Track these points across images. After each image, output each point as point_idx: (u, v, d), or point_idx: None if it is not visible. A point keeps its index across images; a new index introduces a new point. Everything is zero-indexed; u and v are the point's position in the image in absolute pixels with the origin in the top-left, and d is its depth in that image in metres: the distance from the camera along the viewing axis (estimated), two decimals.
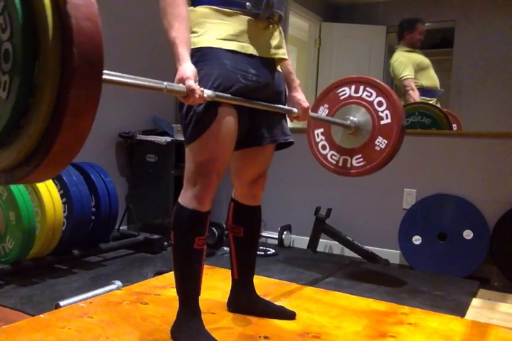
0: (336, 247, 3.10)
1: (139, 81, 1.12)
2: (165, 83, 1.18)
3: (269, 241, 3.21)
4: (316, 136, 2.28)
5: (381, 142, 2.09)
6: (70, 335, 1.53)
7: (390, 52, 4.76)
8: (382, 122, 2.09)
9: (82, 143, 0.87)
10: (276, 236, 3.13)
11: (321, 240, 3.01)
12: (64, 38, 0.80)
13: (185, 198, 1.48)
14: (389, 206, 2.96)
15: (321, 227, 2.95)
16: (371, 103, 2.12)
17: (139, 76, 1.14)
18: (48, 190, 2.20)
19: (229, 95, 1.39)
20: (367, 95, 2.13)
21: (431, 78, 3.46)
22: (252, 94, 1.45)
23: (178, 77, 1.27)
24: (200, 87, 1.28)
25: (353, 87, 2.17)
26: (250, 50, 1.46)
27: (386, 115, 2.09)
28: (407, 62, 3.39)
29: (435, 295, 2.19)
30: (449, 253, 2.66)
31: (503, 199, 2.62)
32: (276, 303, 1.81)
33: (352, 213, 3.07)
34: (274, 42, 1.53)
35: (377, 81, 2.13)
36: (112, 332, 1.56)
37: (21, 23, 0.80)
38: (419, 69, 3.38)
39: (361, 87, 2.15)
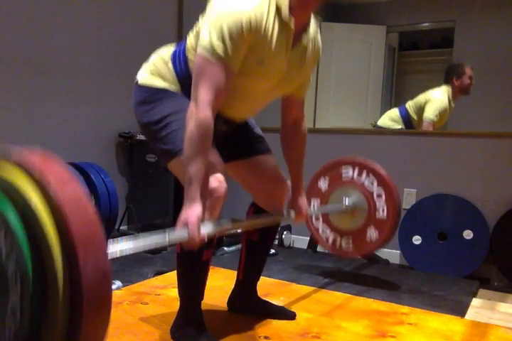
0: None
1: (142, 243, 1.13)
2: (167, 238, 1.19)
3: None
4: (312, 206, 2.34)
5: (372, 234, 2.15)
6: None
7: (390, 52, 4.78)
8: (377, 215, 2.14)
9: None
10: (277, 236, 3.12)
11: None
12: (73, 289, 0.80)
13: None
14: None
15: None
16: (371, 193, 2.16)
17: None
18: None
19: (225, 224, 1.41)
20: (369, 183, 2.17)
21: None
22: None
23: (183, 218, 1.26)
24: (161, 110, 1.37)
25: (356, 170, 2.20)
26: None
27: (383, 209, 2.13)
28: (442, 108, 3.27)
29: (435, 295, 2.19)
30: (449, 253, 2.66)
31: (503, 199, 2.62)
32: (276, 303, 1.81)
33: None
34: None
35: (382, 172, 2.17)
36: (112, 332, 1.56)
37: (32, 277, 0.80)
38: (436, 120, 3.29)
39: (364, 173, 2.18)
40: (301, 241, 3.16)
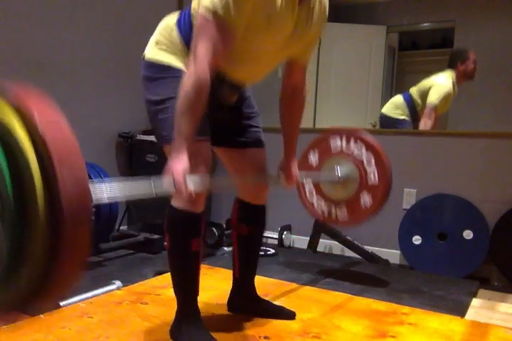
0: (336, 247, 3.10)
1: (128, 189, 1.13)
2: (152, 186, 1.20)
3: (269, 241, 3.21)
4: (305, 179, 2.32)
5: (366, 201, 2.13)
6: (70, 335, 1.53)
7: (390, 52, 4.77)
8: (369, 182, 2.12)
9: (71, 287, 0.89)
10: (277, 236, 3.12)
11: (321, 240, 3.01)
12: (52, 205, 0.80)
13: (179, 200, 1.47)
14: (389, 206, 2.95)
15: (321, 227, 2.95)
16: (361, 161, 2.15)
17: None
18: None
19: (213, 181, 1.41)
20: (358, 151, 2.16)
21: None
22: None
23: (168, 169, 1.28)
24: (162, 91, 1.37)
25: (344, 140, 2.19)
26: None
27: (374, 176, 2.12)
28: (446, 93, 3.28)
29: (435, 295, 2.19)
30: (449, 253, 2.66)
31: (503, 199, 2.62)
32: (276, 303, 1.81)
33: None
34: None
35: (370, 139, 2.16)
36: (112, 332, 1.56)
37: (12, 193, 0.80)
38: (439, 106, 3.30)
39: (353, 142, 2.17)
40: (301, 241, 3.15)
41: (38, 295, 0.85)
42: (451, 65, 3.36)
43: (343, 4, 4.72)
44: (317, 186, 2.25)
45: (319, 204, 2.25)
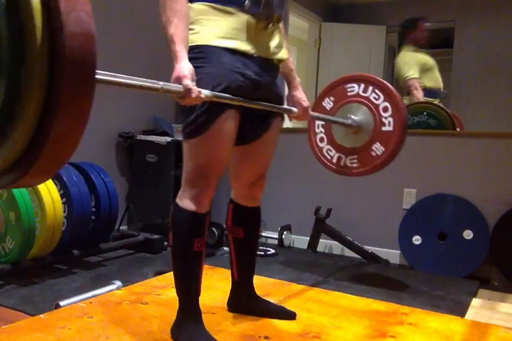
0: (336, 247, 3.10)
1: (134, 81, 1.11)
2: (161, 83, 1.17)
3: (269, 241, 3.21)
4: (317, 127, 2.24)
5: (378, 148, 2.05)
6: (70, 335, 1.53)
7: (390, 52, 4.78)
8: (383, 128, 2.05)
9: (73, 149, 0.83)
10: (276, 236, 3.12)
11: (321, 240, 3.01)
12: (53, 39, 0.77)
13: (184, 200, 1.47)
14: (389, 206, 2.96)
15: (321, 227, 2.95)
16: (377, 106, 2.07)
17: (136, 76, 1.14)
18: (48, 190, 2.20)
19: (227, 95, 1.36)
20: (374, 97, 2.08)
21: (435, 79, 3.43)
22: (252, 94, 1.44)
23: (174, 75, 1.27)
24: (198, 86, 1.28)
25: (362, 86, 2.11)
26: (249, 49, 1.44)
27: (389, 122, 2.04)
28: (412, 62, 3.35)
29: (435, 295, 2.19)
30: (449, 253, 2.66)
31: (503, 199, 2.62)
32: (276, 303, 1.81)
33: (352, 213, 3.07)
34: (273, 42, 1.52)
35: (388, 85, 2.08)
36: (112, 332, 1.56)
37: (7, 27, 0.77)
38: (423, 69, 3.34)
39: (370, 88, 2.09)
40: (301, 241, 3.16)
41: (31, 157, 0.79)
42: (403, 38, 3.47)
43: (343, 4, 4.73)
44: (328, 133, 2.18)
45: (329, 152, 2.18)
